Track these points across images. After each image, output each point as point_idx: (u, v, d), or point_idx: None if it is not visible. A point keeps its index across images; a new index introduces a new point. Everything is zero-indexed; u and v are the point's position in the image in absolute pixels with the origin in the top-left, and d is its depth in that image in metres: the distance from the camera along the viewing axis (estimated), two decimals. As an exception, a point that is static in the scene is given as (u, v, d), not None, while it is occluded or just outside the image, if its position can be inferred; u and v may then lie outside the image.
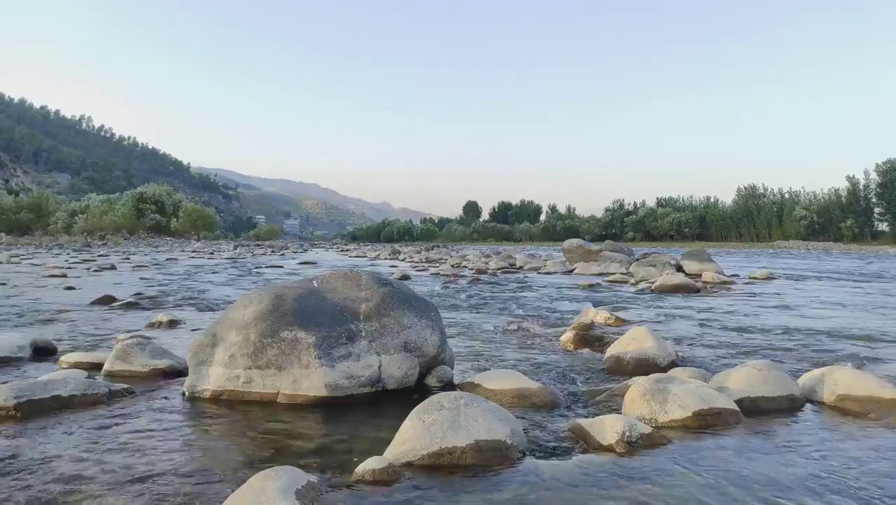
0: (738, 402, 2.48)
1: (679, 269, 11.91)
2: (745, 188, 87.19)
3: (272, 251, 33.53)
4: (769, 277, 11.82)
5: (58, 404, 2.55)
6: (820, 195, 77.42)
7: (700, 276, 10.85)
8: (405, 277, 11.49)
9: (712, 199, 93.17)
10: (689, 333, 4.88)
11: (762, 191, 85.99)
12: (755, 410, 2.51)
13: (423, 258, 22.28)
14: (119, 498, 1.68)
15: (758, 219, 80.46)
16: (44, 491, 1.73)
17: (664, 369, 3.20)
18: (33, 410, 2.47)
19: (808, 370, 3.09)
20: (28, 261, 18.12)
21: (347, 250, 37.94)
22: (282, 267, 16.44)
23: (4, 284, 9.56)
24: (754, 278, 11.71)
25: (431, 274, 13.38)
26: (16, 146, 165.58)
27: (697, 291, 8.78)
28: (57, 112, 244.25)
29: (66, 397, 2.59)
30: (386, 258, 23.98)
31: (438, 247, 49.25)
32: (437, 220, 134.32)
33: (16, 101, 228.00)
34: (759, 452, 2.07)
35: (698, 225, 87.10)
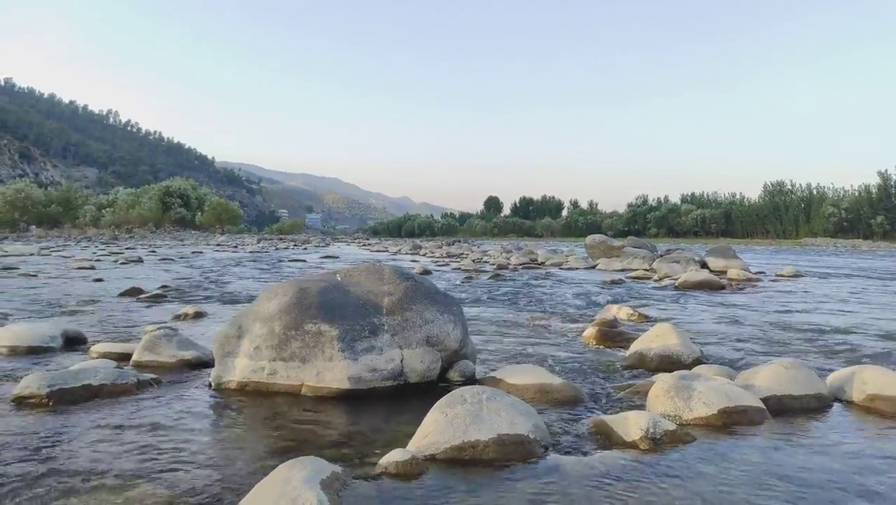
0: (765, 400, 2.45)
1: (703, 265, 11.76)
2: (772, 184, 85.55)
3: (295, 245, 33.82)
4: (796, 275, 11.62)
5: (88, 393, 2.61)
6: (849, 191, 75.72)
7: (725, 272, 10.70)
8: (426, 272, 11.51)
9: (738, 196, 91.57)
10: (713, 330, 4.82)
11: (789, 187, 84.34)
12: (782, 409, 2.48)
13: (443, 253, 22.31)
14: (146, 486, 1.71)
15: (785, 215, 78.96)
16: (72, 477, 1.77)
17: (688, 367, 3.17)
18: (64, 399, 2.53)
19: (836, 369, 3.03)
20: (58, 253, 18.52)
21: (369, 245, 38.12)
22: (305, 261, 16.58)
23: (35, 275, 9.78)
24: (781, 276, 11.52)
25: (452, 269, 13.39)
26: (45, 140, 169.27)
27: (722, 288, 8.66)
28: (85, 107, 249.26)
29: (96, 386, 2.64)
30: (407, 253, 24.05)
31: (459, 242, 49.23)
32: (457, 215, 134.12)
33: (45, 96, 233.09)
34: (786, 451, 2.04)
35: (723, 221, 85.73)
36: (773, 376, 2.61)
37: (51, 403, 2.49)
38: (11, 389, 2.63)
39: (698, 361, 3.33)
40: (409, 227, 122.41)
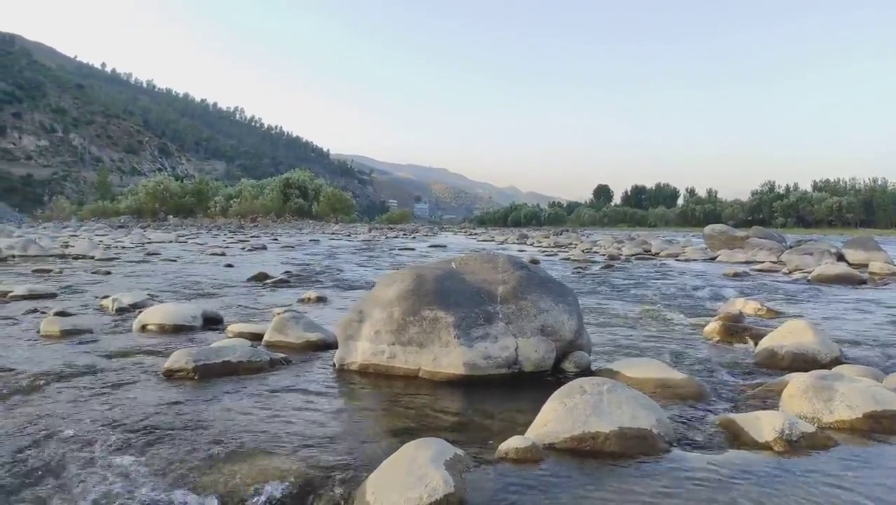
0: (919, 406, 2.22)
1: (840, 258, 10.79)
2: (923, 168, 76.61)
3: (404, 234, 34.73)
4: (952, 270, 10.35)
5: (227, 369, 2.84)
6: None
7: (866, 266, 9.74)
8: (534, 262, 11.40)
9: (880, 182, 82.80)
10: (854, 328, 4.42)
11: (944, 171, 75.02)
12: (940, 417, 2.23)
13: (551, 243, 22.00)
14: (281, 457, 1.84)
15: (938, 203, 70.60)
16: (213, 445, 1.93)
17: (826, 366, 2.93)
18: (207, 373, 2.77)
19: None
20: (193, 241, 20.21)
21: (475, 234, 38.37)
22: (414, 249, 16.98)
23: (175, 260, 10.76)
24: (933, 270, 10.32)
25: (561, 259, 13.18)
26: (181, 137, 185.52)
27: (863, 282, 7.90)
28: (214, 104, 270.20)
29: (234, 363, 2.87)
30: (514, 242, 23.95)
31: (567, 231, 48.36)
32: (565, 205, 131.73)
33: (181, 95, 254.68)
34: (946, 463, 1.84)
35: (862, 210, 77.96)
36: (929, 380, 2.36)
37: (196, 377, 2.74)
38: (162, 362, 2.92)
39: (837, 361, 3.07)
40: (515, 217, 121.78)
